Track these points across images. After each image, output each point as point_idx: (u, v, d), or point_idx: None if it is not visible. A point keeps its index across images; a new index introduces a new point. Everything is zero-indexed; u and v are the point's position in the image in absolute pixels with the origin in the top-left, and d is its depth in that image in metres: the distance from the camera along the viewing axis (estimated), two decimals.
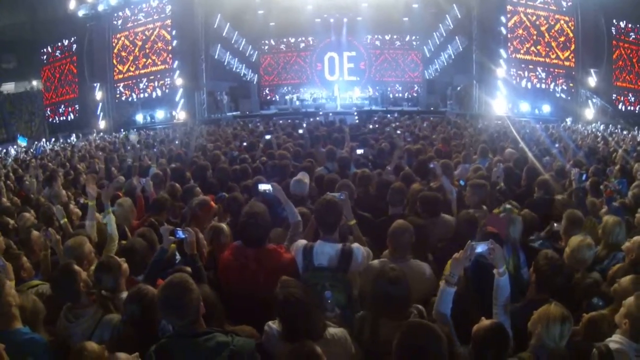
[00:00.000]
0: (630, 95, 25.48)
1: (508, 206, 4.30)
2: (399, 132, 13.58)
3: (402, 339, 2.52)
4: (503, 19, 24.97)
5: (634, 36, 25.56)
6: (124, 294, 3.44)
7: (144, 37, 27.16)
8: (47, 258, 4.42)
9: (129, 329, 3.16)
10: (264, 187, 4.65)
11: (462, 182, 6.45)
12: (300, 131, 13.70)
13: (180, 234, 3.76)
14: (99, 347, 2.73)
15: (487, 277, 3.48)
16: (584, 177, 6.69)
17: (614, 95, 25.03)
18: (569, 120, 21.59)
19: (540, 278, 3.58)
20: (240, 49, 29.29)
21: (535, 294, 3.61)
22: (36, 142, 20.63)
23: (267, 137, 11.88)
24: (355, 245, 3.84)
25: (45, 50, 29.04)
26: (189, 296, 2.73)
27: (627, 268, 3.85)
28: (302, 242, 3.89)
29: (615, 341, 3.13)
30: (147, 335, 3.04)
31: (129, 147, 14.64)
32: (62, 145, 19.15)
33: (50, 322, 3.45)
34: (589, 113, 23.52)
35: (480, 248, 3.30)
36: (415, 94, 30.08)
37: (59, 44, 28.59)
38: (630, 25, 25.31)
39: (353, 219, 4.41)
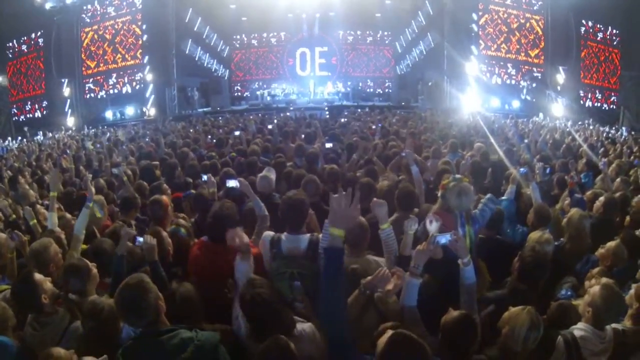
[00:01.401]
0: (597, 92, 26.03)
1: (458, 176, 4.29)
2: (373, 127, 13.62)
3: (387, 350, 2.50)
4: (475, 16, 25.37)
5: (601, 36, 26.11)
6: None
7: (113, 32, 26.54)
8: (13, 261, 4.28)
9: (92, 343, 3.06)
10: (232, 183, 4.64)
11: (431, 178, 6.50)
12: (270, 127, 13.66)
13: (141, 240, 3.69)
14: (66, 352, 2.69)
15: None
16: (547, 171, 6.84)
17: (581, 92, 25.55)
18: (541, 115, 21.95)
19: (523, 268, 3.66)
20: (212, 44, 28.94)
21: (515, 281, 3.69)
22: (0, 140, 20.06)
23: (237, 133, 11.85)
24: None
25: (10, 44, 28.04)
26: (146, 296, 2.72)
27: (605, 272, 3.95)
28: (269, 233, 3.93)
29: (579, 329, 3.24)
30: (110, 345, 2.96)
31: (98, 145, 14.31)
32: (27, 144, 18.64)
33: (17, 328, 3.34)
34: (557, 109, 24.00)
35: (444, 239, 3.32)
36: (387, 89, 30.19)
37: (25, 38, 27.52)
38: (598, 26, 25.83)
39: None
